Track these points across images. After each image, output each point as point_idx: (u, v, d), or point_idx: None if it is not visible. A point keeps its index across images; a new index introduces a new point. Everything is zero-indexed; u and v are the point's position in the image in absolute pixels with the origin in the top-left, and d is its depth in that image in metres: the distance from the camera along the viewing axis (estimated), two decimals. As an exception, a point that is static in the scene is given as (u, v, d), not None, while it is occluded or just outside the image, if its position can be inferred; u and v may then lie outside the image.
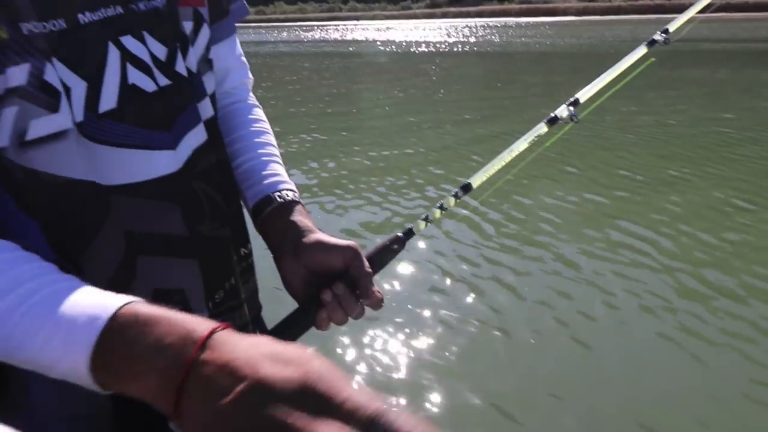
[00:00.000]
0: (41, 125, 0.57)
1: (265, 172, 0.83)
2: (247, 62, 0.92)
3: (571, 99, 1.10)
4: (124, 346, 0.44)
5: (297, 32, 56.21)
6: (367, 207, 4.87)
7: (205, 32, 0.77)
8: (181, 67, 0.71)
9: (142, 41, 0.66)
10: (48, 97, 0.58)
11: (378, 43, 33.30)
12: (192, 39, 0.74)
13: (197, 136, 0.73)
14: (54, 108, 0.58)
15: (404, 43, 31.47)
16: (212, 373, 0.41)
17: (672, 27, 1.15)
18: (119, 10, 0.64)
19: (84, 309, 0.46)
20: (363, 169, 6.01)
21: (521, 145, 1.06)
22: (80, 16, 0.60)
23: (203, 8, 0.76)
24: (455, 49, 25.73)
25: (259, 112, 0.91)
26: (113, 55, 0.63)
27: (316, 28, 70.96)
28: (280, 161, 0.87)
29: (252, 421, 0.38)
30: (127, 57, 0.64)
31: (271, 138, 0.89)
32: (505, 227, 4.32)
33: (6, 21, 0.54)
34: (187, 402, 0.41)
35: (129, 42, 0.65)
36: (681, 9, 1.33)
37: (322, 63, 20.42)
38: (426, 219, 0.95)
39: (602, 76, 1.13)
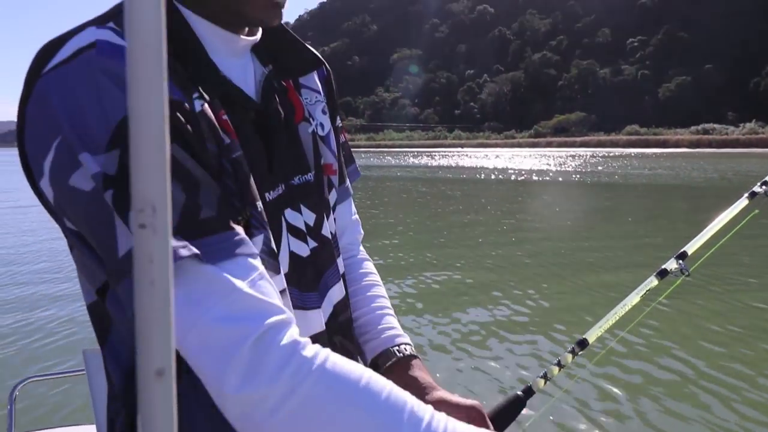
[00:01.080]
0: (276, 284, 0.65)
1: (380, 326, 0.86)
2: (359, 219, 0.97)
3: (679, 252, 1.11)
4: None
5: (406, 157, 58.83)
6: (480, 359, 4.34)
7: (333, 196, 0.86)
8: (326, 230, 0.80)
9: (299, 212, 0.76)
10: (274, 261, 0.68)
11: (485, 170, 33.70)
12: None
13: (338, 292, 0.81)
14: (278, 270, 0.68)
15: (514, 171, 31.56)
16: None
17: (774, 179, 1.15)
18: (283, 187, 0.74)
19: (414, 404, 0.59)
20: (473, 318, 5.41)
21: (633, 299, 1.06)
22: (267, 194, 0.71)
23: (334, 176, 0.86)
24: (573, 178, 25.19)
25: (369, 266, 0.96)
26: (282, 227, 0.73)
27: (423, 154, 74.09)
28: (393, 313, 0.91)
29: None
30: (289, 228, 0.74)
31: (382, 290, 0.93)
32: (630, 384, 3.78)
33: (250, 201, 0.67)
34: None
35: (289, 214, 0.74)
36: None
37: (439, 189, 20.66)
38: (545, 377, 0.95)
39: (707, 228, 1.15)
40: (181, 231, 0.54)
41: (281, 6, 0.70)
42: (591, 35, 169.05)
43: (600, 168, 34.64)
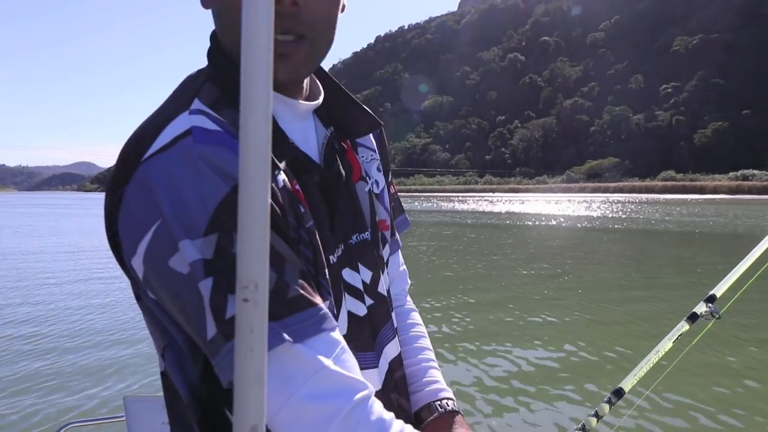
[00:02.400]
0: None
1: (425, 379, 0.88)
2: (407, 270, 0.99)
3: (708, 295, 1.09)
4: None
5: (437, 203, 58.87)
6: (513, 412, 4.12)
7: (386, 251, 0.87)
8: (382, 287, 0.81)
9: (357, 270, 0.76)
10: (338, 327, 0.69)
11: (520, 215, 33.34)
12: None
13: (394, 349, 0.82)
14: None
15: (551, 217, 31.13)
16: None
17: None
18: (342, 247, 0.74)
19: None
20: (503, 370, 5.16)
21: (666, 345, 1.04)
22: (330, 257, 0.71)
23: (387, 231, 0.88)
24: (616, 226, 24.46)
25: (415, 317, 0.97)
26: (341, 288, 0.73)
27: (453, 199, 74.07)
28: (437, 366, 0.91)
29: None
30: (347, 288, 0.74)
31: (427, 342, 0.93)
32: (674, 427, 3.65)
33: (320, 269, 0.67)
34: None
35: (347, 274, 0.74)
36: None
37: (486, 234, 20.44)
38: (583, 428, 0.95)
39: (733, 270, 1.10)
40: (271, 311, 0.54)
41: (285, 56, 0.65)
42: (623, 82, 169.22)
43: (639, 214, 33.88)
